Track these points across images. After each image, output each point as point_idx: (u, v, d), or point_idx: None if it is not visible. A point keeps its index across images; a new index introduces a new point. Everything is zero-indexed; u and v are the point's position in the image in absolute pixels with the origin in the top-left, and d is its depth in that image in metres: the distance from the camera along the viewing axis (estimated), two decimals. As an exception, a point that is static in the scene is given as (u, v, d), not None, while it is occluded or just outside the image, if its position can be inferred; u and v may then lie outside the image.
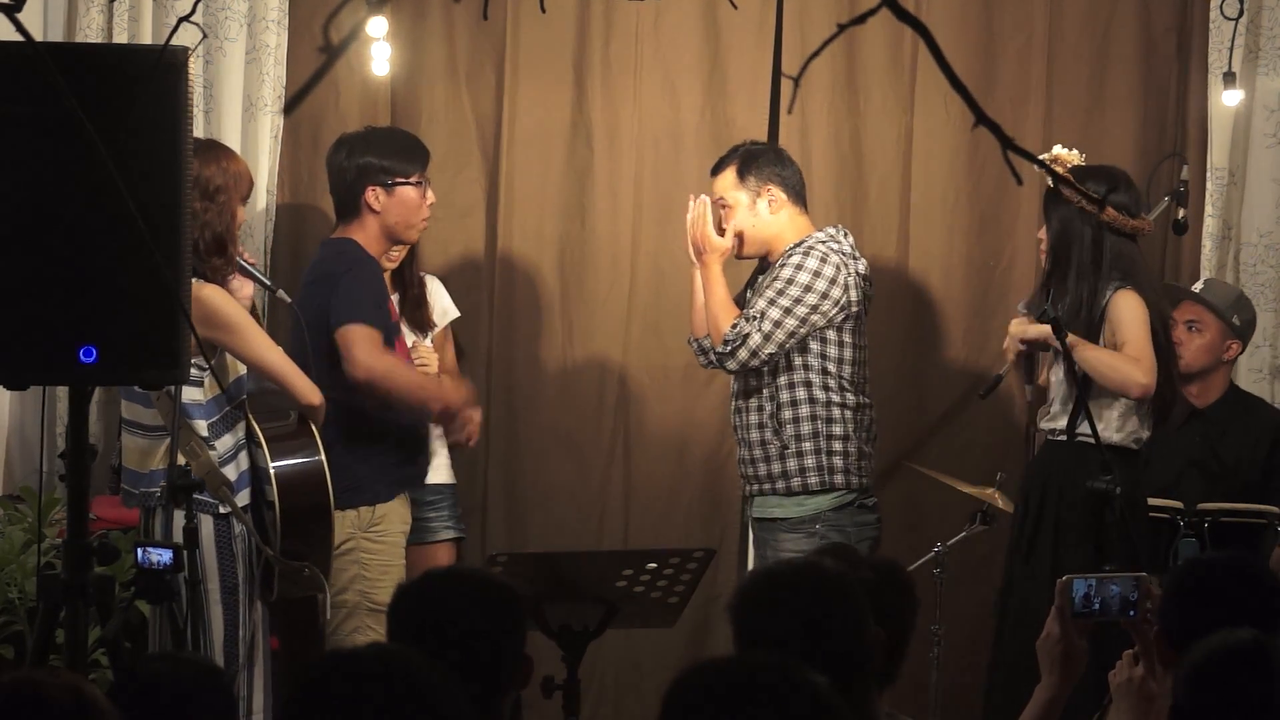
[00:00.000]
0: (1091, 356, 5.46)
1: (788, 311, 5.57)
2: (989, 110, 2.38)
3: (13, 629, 5.52)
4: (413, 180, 5.63)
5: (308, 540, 5.17)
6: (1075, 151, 5.65)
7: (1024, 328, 5.59)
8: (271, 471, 5.14)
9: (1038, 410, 5.73)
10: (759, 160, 5.73)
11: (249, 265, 5.31)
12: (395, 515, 5.59)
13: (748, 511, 5.90)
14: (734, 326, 5.59)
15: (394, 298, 5.89)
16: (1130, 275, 5.52)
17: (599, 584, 4.57)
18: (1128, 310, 5.47)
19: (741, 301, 5.79)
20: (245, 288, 5.31)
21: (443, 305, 6.11)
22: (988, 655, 5.83)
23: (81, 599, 4.14)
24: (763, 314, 5.57)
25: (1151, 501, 5.63)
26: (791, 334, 5.59)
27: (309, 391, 5.19)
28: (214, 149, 5.27)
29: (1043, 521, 5.55)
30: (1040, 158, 5.25)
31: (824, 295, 5.59)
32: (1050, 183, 5.46)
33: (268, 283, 5.34)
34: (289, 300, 5.33)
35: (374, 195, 5.60)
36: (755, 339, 5.57)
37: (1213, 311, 6.02)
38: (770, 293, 5.60)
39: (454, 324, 6.13)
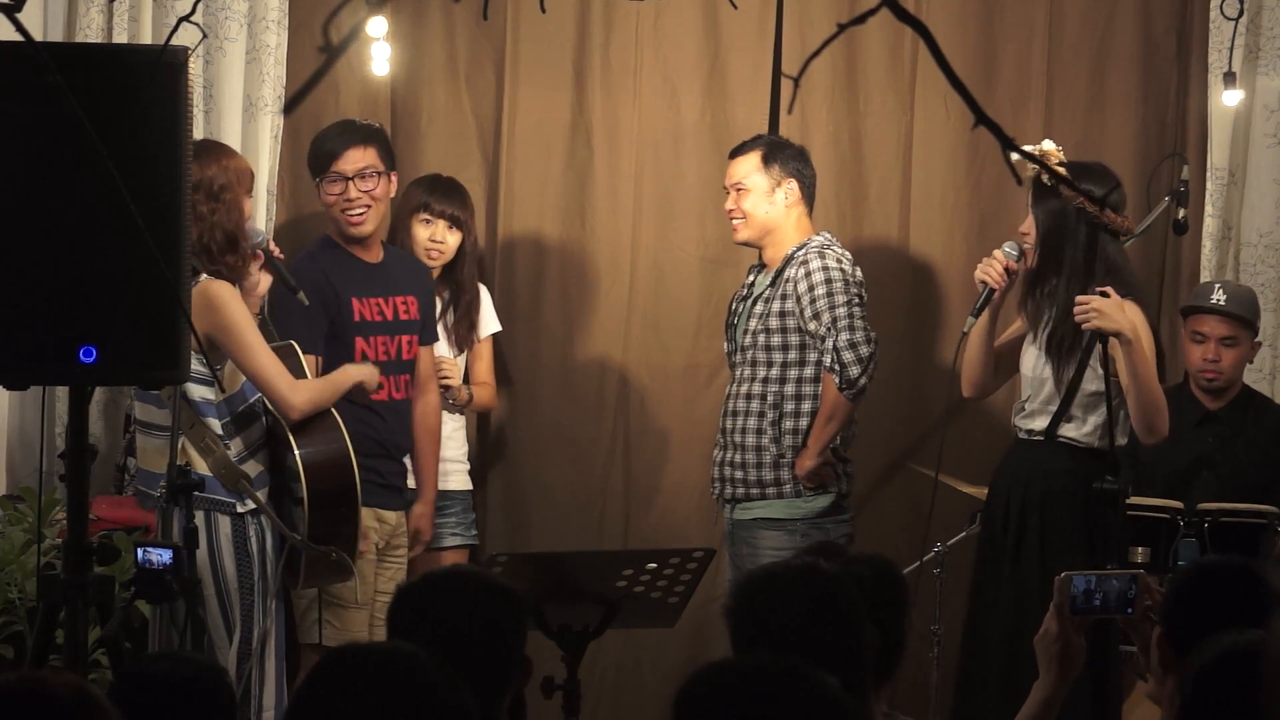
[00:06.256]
0: (1150, 376, 5.33)
1: (850, 315, 5.61)
2: (989, 110, 2.38)
3: (13, 629, 5.52)
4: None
5: (334, 524, 5.18)
6: (1056, 146, 5.52)
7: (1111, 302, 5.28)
8: (298, 455, 5.15)
9: (962, 345, 5.60)
10: (786, 152, 5.80)
11: (279, 261, 5.32)
12: (364, 513, 5.56)
13: (724, 515, 5.85)
14: (842, 366, 5.60)
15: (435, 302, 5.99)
16: (1130, 286, 5.42)
17: (599, 584, 4.58)
18: (1142, 331, 5.35)
19: (730, 322, 5.88)
20: (264, 284, 5.32)
21: (485, 318, 6.13)
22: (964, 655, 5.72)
23: (81, 599, 4.14)
24: (834, 332, 5.59)
25: (1151, 501, 5.62)
26: (866, 324, 5.63)
27: (284, 404, 5.17)
28: (212, 149, 5.28)
29: (1027, 524, 5.46)
30: (1028, 148, 5.21)
31: (857, 279, 5.68)
32: (1046, 179, 5.41)
33: (293, 282, 5.34)
34: (307, 304, 5.34)
35: (317, 191, 5.75)
36: (847, 355, 5.59)
37: (1243, 324, 5.95)
38: (822, 307, 5.61)
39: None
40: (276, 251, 5.35)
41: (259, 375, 5.15)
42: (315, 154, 5.74)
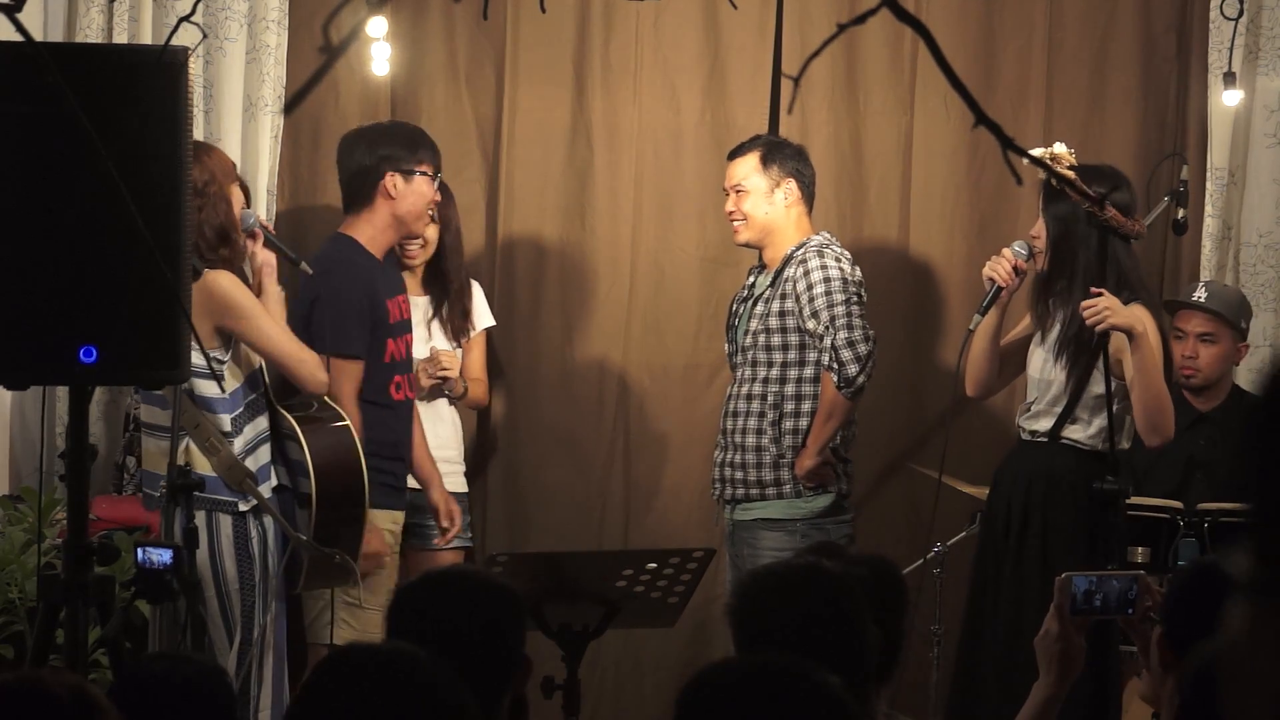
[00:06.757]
0: (1157, 374, 5.33)
1: (849, 314, 5.62)
2: (989, 110, 2.38)
3: (13, 629, 5.52)
4: (429, 172, 5.65)
5: (338, 526, 5.18)
6: (1069, 149, 5.53)
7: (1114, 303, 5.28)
8: (308, 455, 5.15)
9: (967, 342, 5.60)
10: (784, 151, 5.81)
11: (272, 236, 5.32)
12: (381, 515, 5.57)
13: (725, 516, 5.86)
14: (840, 365, 5.61)
15: (425, 299, 5.97)
16: (1137, 289, 5.41)
17: (599, 584, 4.58)
18: (1151, 337, 5.35)
19: (730, 321, 5.90)
20: (271, 259, 5.32)
21: (478, 311, 6.12)
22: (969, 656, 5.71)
23: (81, 599, 4.14)
24: (832, 331, 5.59)
25: (1151, 501, 5.62)
26: (865, 323, 5.64)
27: (314, 381, 5.19)
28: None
29: (1028, 525, 5.46)
30: (1037, 152, 5.20)
31: (856, 278, 5.70)
32: (1054, 183, 5.40)
33: (292, 255, 5.33)
34: (311, 272, 5.33)
35: (392, 181, 5.60)
36: (846, 353, 5.60)
37: (1224, 322, 5.97)
38: (820, 306, 5.62)
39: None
40: (269, 227, 5.35)
41: (278, 354, 5.16)
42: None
